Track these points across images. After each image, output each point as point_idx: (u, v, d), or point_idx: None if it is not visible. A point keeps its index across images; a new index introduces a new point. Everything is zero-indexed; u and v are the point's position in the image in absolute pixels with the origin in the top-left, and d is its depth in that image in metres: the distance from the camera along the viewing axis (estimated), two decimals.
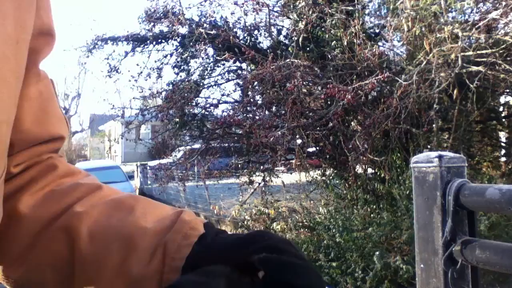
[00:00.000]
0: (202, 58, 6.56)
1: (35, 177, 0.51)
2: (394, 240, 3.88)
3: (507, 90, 4.98)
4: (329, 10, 4.98)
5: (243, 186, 6.52)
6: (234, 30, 6.36)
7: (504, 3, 3.84)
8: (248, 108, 6.04)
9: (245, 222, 6.00)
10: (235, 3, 6.04)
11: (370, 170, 5.29)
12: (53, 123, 0.53)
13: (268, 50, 6.17)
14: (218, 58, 6.55)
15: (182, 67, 6.84)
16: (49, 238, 0.47)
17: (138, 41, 7.06)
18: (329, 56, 5.32)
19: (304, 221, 5.09)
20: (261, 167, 6.31)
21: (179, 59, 6.83)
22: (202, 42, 6.10)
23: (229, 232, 0.51)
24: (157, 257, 0.45)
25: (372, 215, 4.39)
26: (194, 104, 6.56)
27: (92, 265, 0.46)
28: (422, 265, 1.49)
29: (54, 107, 0.54)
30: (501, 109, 5.82)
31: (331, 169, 5.69)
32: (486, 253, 1.32)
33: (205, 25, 6.38)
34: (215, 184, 8.59)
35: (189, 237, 0.46)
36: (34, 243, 0.47)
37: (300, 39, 5.27)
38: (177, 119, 6.49)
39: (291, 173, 6.29)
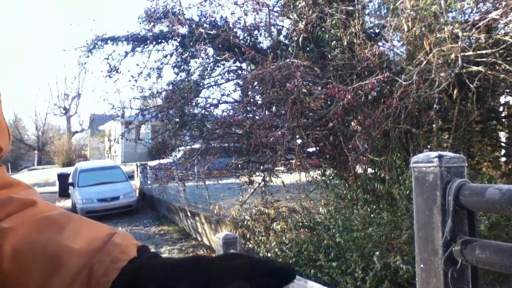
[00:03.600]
0: (202, 58, 6.56)
1: None
2: (394, 240, 3.88)
3: (507, 90, 4.98)
4: (329, 10, 4.98)
5: (243, 186, 6.52)
6: (234, 30, 6.36)
7: (504, 3, 3.84)
8: (248, 108, 6.04)
9: (245, 222, 6.00)
10: (235, 3, 6.04)
11: (370, 170, 5.28)
12: None
13: (268, 50, 6.17)
14: (218, 58, 6.55)
15: (182, 67, 6.84)
16: None
17: (138, 41, 7.06)
18: (329, 56, 5.32)
19: (304, 221, 5.09)
20: (261, 167, 6.31)
21: (179, 59, 6.83)
22: (202, 42, 6.10)
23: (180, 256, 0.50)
24: (81, 279, 0.43)
25: (372, 215, 4.39)
26: (194, 104, 6.56)
27: (13, 285, 0.44)
28: (422, 265, 1.49)
29: None
30: (501, 109, 5.82)
31: (331, 169, 5.69)
32: (486, 253, 1.32)
33: (205, 25, 6.39)
34: (215, 184, 8.58)
35: (118, 260, 0.44)
36: None
37: (300, 39, 5.27)
38: (177, 119, 6.49)
39: (291, 173, 6.28)
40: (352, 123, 5.58)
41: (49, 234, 0.46)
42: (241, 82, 6.65)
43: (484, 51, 3.77)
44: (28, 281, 0.44)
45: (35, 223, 0.47)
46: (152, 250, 0.49)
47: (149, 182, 14.03)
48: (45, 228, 0.47)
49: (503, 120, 5.86)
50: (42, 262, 0.44)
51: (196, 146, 7.01)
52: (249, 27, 6.49)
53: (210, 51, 6.59)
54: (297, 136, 5.26)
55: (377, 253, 3.67)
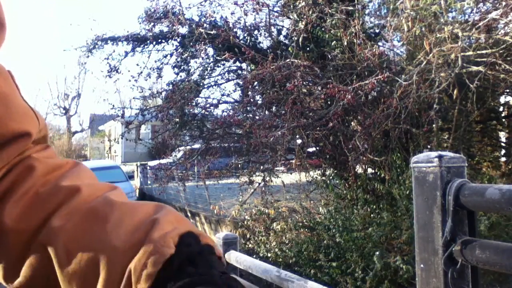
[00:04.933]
0: (202, 58, 6.56)
1: (15, 182, 0.49)
2: (394, 240, 3.88)
3: (507, 90, 4.98)
4: (329, 10, 4.98)
5: (243, 186, 6.52)
6: (234, 30, 6.36)
7: (504, 3, 3.84)
8: (248, 108, 6.04)
9: (245, 222, 6.00)
10: (235, 3, 6.04)
11: (370, 170, 5.28)
12: (16, 119, 0.49)
13: (268, 50, 6.17)
14: (218, 58, 6.55)
15: (182, 67, 6.84)
16: (34, 254, 0.47)
17: (138, 41, 7.06)
18: (329, 56, 5.32)
19: (304, 221, 5.09)
20: (261, 167, 6.31)
21: (179, 59, 6.83)
22: (202, 42, 6.10)
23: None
24: (123, 283, 0.43)
25: (372, 215, 4.39)
26: (194, 104, 6.56)
27: (76, 282, 0.45)
28: (422, 265, 1.49)
29: (16, 101, 0.50)
30: (501, 109, 5.82)
31: (331, 169, 5.69)
32: (486, 253, 1.32)
33: (205, 25, 6.38)
34: (215, 184, 8.58)
35: (153, 264, 0.43)
36: (23, 257, 0.47)
37: (300, 39, 5.27)
38: (177, 119, 6.49)
39: (291, 173, 6.29)
40: (352, 123, 5.58)
41: (94, 229, 0.47)
42: (241, 82, 6.64)
43: (484, 51, 3.77)
44: (88, 278, 0.45)
45: (80, 218, 0.48)
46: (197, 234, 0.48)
47: (149, 182, 14.04)
48: (90, 223, 0.47)
49: (503, 120, 5.86)
50: (92, 264, 0.45)
51: (196, 146, 7.01)
52: (249, 27, 6.49)
53: (210, 51, 6.60)
54: (297, 136, 5.26)
55: (377, 253, 3.67)
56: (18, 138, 0.49)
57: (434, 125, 4.60)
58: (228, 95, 6.90)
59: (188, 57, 6.64)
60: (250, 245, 5.63)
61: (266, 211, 5.81)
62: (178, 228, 0.47)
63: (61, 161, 0.55)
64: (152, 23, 6.71)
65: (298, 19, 5.63)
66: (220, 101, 6.81)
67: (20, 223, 0.47)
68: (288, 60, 5.14)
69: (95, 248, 0.45)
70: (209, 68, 6.73)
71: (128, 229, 0.46)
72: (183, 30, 6.65)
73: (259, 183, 6.28)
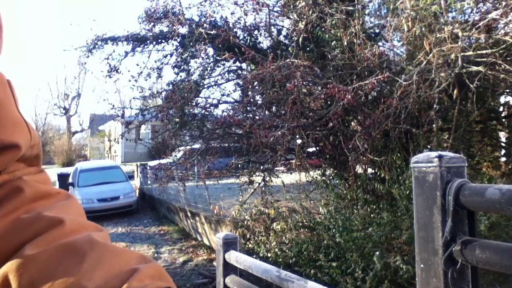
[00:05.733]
0: (202, 58, 6.56)
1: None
2: (394, 240, 3.88)
3: (507, 90, 4.98)
4: (329, 10, 4.98)
5: (243, 186, 6.52)
6: (234, 30, 6.36)
7: (504, 3, 3.84)
8: (248, 108, 6.04)
9: (245, 222, 6.00)
10: (235, 3, 6.04)
11: (370, 170, 5.28)
12: (4, 129, 0.46)
13: (268, 50, 6.17)
14: (218, 58, 6.55)
15: (182, 67, 6.84)
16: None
17: (138, 41, 7.06)
18: (329, 56, 5.32)
19: (304, 221, 5.09)
20: (261, 167, 6.31)
21: (179, 59, 6.83)
22: (202, 42, 6.10)
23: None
24: None
25: (372, 215, 4.39)
26: (194, 104, 6.56)
27: None
28: (422, 265, 1.49)
29: (9, 110, 0.48)
30: (501, 109, 5.81)
31: (331, 169, 5.69)
32: (486, 253, 1.32)
33: (205, 25, 6.39)
34: (215, 184, 8.59)
35: None
36: None
37: (300, 39, 5.27)
38: (177, 119, 6.49)
39: (291, 173, 6.28)
40: (352, 123, 5.57)
41: (68, 264, 0.44)
42: (241, 82, 6.65)
43: (484, 51, 3.77)
44: None
45: (56, 251, 0.45)
46: None
47: (149, 182, 14.04)
48: (65, 258, 0.44)
49: (503, 120, 5.86)
50: None
51: (196, 146, 7.01)
52: (249, 27, 6.49)
53: (210, 51, 6.60)
54: (297, 136, 5.26)
55: (377, 253, 3.67)
56: (4, 149, 0.46)
57: (434, 125, 4.59)
58: (228, 95, 6.91)
59: (188, 57, 6.64)
60: (250, 245, 5.63)
61: (266, 211, 5.81)
62: (158, 284, 0.45)
63: (52, 190, 0.52)
64: (152, 23, 6.72)
65: (298, 19, 5.63)
66: (220, 101, 6.81)
67: None
68: (288, 60, 5.14)
69: (64, 286, 0.42)
70: (209, 68, 6.73)
71: (104, 275, 0.43)
72: (183, 30, 6.66)
73: (259, 183, 6.28)
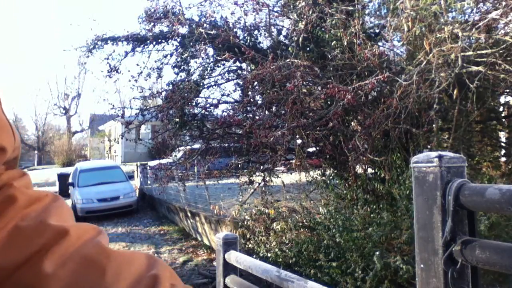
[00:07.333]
0: (202, 58, 6.56)
1: None
2: (394, 240, 3.88)
3: (507, 90, 4.98)
4: (329, 10, 4.98)
5: (243, 186, 6.52)
6: (234, 30, 6.36)
7: (504, 3, 3.84)
8: (248, 108, 6.04)
9: (245, 222, 6.00)
10: (235, 3, 6.04)
11: (370, 170, 5.28)
12: None
13: (268, 50, 6.17)
14: (218, 58, 6.55)
15: (182, 67, 6.84)
16: None
17: (138, 41, 7.06)
18: (329, 56, 5.32)
19: (304, 221, 5.09)
20: (261, 167, 6.31)
21: (179, 59, 6.83)
22: (202, 42, 6.11)
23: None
24: None
25: (372, 215, 4.39)
26: (194, 104, 6.56)
27: None
28: (422, 265, 1.49)
29: None
30: (501, 109, 5.81)
31: (331, 169, 5.69)
32: (486, 253, 1.32)
33: (205, 25, 6.38)
34: (215, 184, 8.59)
35: None
36: None
37: (300, 39, 5.27)
38: (177, 119, 6.49)
39: (291, 173, 6.29)
40: (352, 123, 5.57)
41: (90, 279, 0.44)
42: (241, 82, 6.65)
43: (484, 51, 3.77)
44: None
45: (75, 265, 0.45)
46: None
47: (149, 182, 14.04)
48: (87, 273, 0.45)
49: (503, 120, 5.86)
50: None
51: (196, 146, 7.01)
52: (249, 27, 6.49)
53: (210, 51, 6.60)
54: (297, 136, 5.26)
55: (377, 253, 3.67)
56: None
57: (434, 125, 4.59)
58: (228, 95, 6.91)
59: (188, 57, 6.64)
60: (250, 245, 5.63)
61: (266, 211, 5.81)
62: (176, 285, 0.48)
63: (40, 193, 0.51)
64: (152, 23, 6.71)
65: (298, 19, 5.63)
66: (220, 101, 6.81)
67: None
68: (288, 60, 5.14)
69: None
70: (209, 68, 6.73)
71: (128, 282, 0.45)
72: (183, 30, 6.66)
73: (259, 183, 6.28)
